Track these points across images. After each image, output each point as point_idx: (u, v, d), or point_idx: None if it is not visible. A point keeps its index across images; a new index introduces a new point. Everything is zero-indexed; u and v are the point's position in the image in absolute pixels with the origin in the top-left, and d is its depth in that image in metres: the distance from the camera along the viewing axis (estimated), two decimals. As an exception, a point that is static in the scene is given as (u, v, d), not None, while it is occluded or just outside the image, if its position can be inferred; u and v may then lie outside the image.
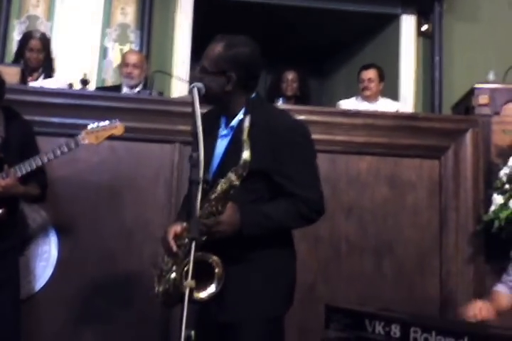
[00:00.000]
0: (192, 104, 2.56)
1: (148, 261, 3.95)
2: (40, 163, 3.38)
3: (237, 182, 2.48)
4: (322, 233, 4.28)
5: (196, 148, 2.49)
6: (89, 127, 3.49)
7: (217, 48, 2.67)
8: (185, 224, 2.62)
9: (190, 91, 2.62)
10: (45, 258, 4.08)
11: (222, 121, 2.78)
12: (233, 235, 2.53)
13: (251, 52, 2.69)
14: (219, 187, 2.51)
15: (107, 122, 3.53)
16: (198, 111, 2.53)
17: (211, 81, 2.67)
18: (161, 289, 2.66)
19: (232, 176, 2.48)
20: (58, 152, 3.39)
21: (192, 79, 2.68)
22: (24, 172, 3.34)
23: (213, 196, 2.52)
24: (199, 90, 2.61)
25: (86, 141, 3.46)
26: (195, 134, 2.52)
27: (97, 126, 3.50)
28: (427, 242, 4.49)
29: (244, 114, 2.63)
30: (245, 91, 2.73)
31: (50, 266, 4.07)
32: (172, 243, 2.61)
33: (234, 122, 2.73)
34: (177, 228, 2.65)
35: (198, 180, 2.44)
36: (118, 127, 3.53)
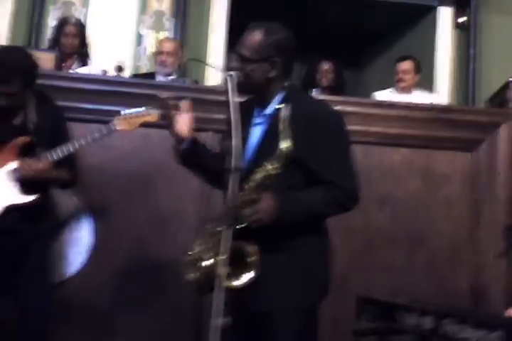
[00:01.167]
0: (227, 92, 2.57)
1: (180, 248, 3.87)
2: (72, 149, 3.38)
3: (274, 172, 2.48)
4: (355, 224, 4.26)
5: (232, 137, 2.51)
6: (122, 113, 3.49)
7: (257, 36, 2.66)
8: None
9: (226, 81, 2.62)
10: (79, 244, 4.08)
11: (256, 109, 2.78)
12: (269, 223, 2.53)
13: (290, 37, 2.71)
14: (256, 176, 2.51)
15: (141, 109, 3.52)
16: (233, 99, 2.54)
17: (253, 69, 2.67)
18: (193, 276, 2.66)
19: (269, 165, 2.48)
20: (90, 138, 3.40)
21: (230, 70, 2.65)
22: (56, 157, 3.34)
23: (250, 185, 2.53)
24: (234, 79, 2.61)
25: (119, 128, 3.46)
26: (230, 123, 2.54)
27: (131, 113, 3.49)
28: (459, 235, 4.47)
29: (280, 102, 2.63)
30: (284, 78, 2.73)
31: (83, 252, 4.08)
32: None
33: (268, 110, 2.72)
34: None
35: (234, 168, 2.46)
36: (152, 114, 3.51)
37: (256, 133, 2.73)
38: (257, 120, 2.76)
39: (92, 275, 4.08)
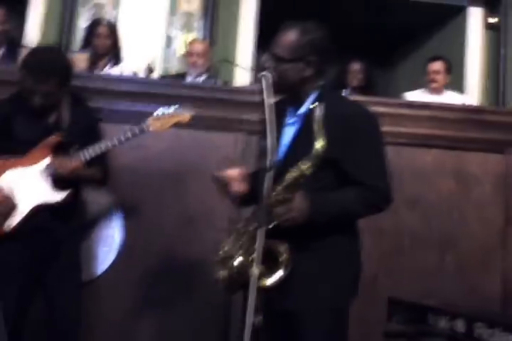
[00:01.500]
0: (261, 92, 2.58)
1: (210, 248, 3.92)
2: (105, 148, 3.39)
3: (308, 171, 2.48)
4: (386, 225, 4.24)
5: (265, 137, 2.52)
6: (155, 114, 3.48)
7: (291, 35, 2.67)
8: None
9: (259, 80, 2.62)
10: (109, 243, 4.11)
11: (289, 109, 2.78)
12: (302, 223, 2.53)
13: (325, 36, 2.70)
14: (289, 176, 2.51)
15: (173, 109, 3.51)
16: (267, 99, 2.54)
17: (288, 69, 2.67)
18: (224, 275, 2.67)
19: (303, 165, 2.48)
20: (123, 138, 3.40)
21: (263, 70, 2.65)
22: (89, 157, 3.35)
23: (283, 184, 2.53)
24: (268, 78, 2.61)
25: (151, 128, 3.46)
26: (264, 122, 2.54)
27: (163, 113, 3.49)
28: (491, 237, 4.43)
29: (314, 102, 2.62)
30: (318, 77, 2.72)
31: (112, 251, 4.11)
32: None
33: (302, 110, 2.72)
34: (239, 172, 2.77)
35: (267, 167, 2.46)
36: (184, 115, 3.52)
37: (289, 132, 2.73)
38: (290, 120, 2.76)
39: (122, 274, 4.10)
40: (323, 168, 2.53)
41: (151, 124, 3.45)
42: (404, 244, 4.34)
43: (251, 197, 2.70)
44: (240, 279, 2.60)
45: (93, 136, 3.50)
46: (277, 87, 2.63)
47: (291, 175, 2.51)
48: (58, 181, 3.38)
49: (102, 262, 4.10)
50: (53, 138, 3.41)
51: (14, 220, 3.35)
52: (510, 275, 4.37)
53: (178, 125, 3.56)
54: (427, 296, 3.96)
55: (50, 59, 3.42)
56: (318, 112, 2.46)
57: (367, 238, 3.99)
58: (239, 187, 2.75)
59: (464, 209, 4.44)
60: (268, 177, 2.48)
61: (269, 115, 2.53)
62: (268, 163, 2.48)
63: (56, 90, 3.38)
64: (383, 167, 2.69)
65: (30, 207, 3.36)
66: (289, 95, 2.78)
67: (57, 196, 3.38)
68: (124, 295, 4.11)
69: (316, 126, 2.45)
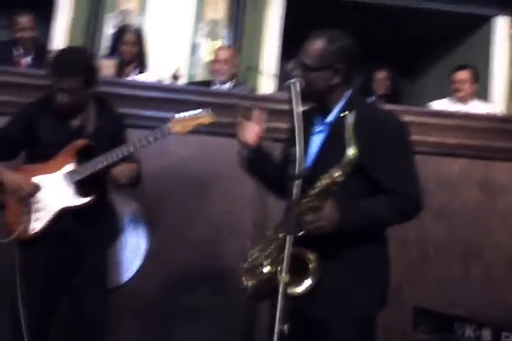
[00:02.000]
0: (290, 99, 2.59)
1: (235, 255, 3.98)
2: (127, 152, 3.39)
3: (339, 179, 2.47)
4: (410, 235, 4.23)
5: (293, 144, 2.53)
6: (176, 116, 3.49)
7: (319, 43, 2.67)
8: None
9: (288, 88, 2.63)
10: (134, 250, 4.12)
11: (317, 117, 2.78)
12: (332, 231, 2.52)
13: (352, 44, 2.70)
14: (320, 183, 2.50)
15: (195, 111, 3.51)
16: (297, 107, 2.55)
17: (316, 77, 2.67)
18: (251, 283, 2.67)
19: (335, 172, 2.47)
20: (145, 141, 3.41)
21: (290, 78, 2.66)
22: (111, 161, 3.36)
23: (314, 191, 2.52)
24: (297, 86, 2.61)
25: (173, 131, 3.46)
26: (293, 130, 2.55)
27: (185, 116, 3.49)
28: (518, 249, 4.39)
29: (342, 110, 2.64)
30: (346, 85, 2.72)
31: (137, 258, 4.12)
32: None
33: (330, 118, 2.72)
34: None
35: (296, 175, 2.46)
36: (206, 116, 3.51)
37: (317, 140, 2.73)
38: (319, 128, 2.75)
39: (147, 282, 4.10)
40: (353, 175, 2.52)
41: (173, 127, 3.46)
42: (430, 254, 4.32)
43: (257, 165, 2.82)
44: (267, 288, 2.60)
45: (118, 142, 3.50)
46: (305, 95, 2.64)
47: (323, 182, 2.50)
48: (83, 186, 3.40)
49: (127, 269, 4.11)
50: (78, 143, 3.43)
51: (40, 224, 3.38)
52: (536, 285, 4.33)
53: (199, 127, 3.55)
54: (453, 306, 3.95)
55: (76, 57, 3.48)
56: (350, 120, 2.46)
57: (392, 247, 3.96)
58: (250, 136, 2.81)
59: (489, 219, 4.41)
60: (296, 185, 2.48)
61: (297, 123, 2.53)
62: (296, 170, 2.47)
63: (81, 88, 3.41)
64: (413, 174, 2.67)
65: (56, 211, 3.39)
66: (318, 103, 2.78)
67: (81, 200, 3.40)
68: (149, 302, 4.11)
69: (348, 134, 2.44)
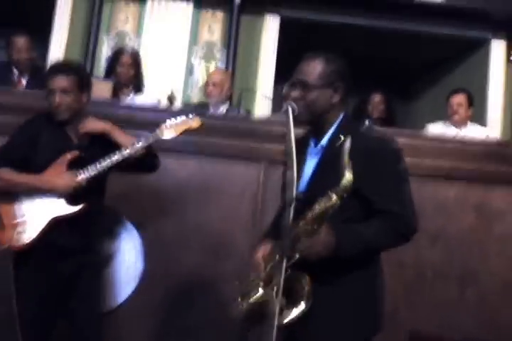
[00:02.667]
0: (286, 124, 2.59)
1: (231, 276, 3.95)
2: (118, 158, 3.40)
3: (337, 203, 2.45)
4: (407, 259, 4.21)
5: (290, 168, 2.52)
6: (167, 122, 3.54)
7: (318, 63, 2.67)
8: (272, 246, 2.65)
9: (284, 113, 2.63)
10: (130, 271, 4.11)
11: (311, 140, 2.77)
12: (327, 257, 2.49)
13: (347, 65, 2.72)
14: (317, 207, 2.48)
15: (183, 117, 3.59)
16: (292, 131, 2.55)
17: (317, 95, 2.66)
18: (245, 306, 2.65)
19: (331, 197, 2.45)
20: (137, 146, 3.43)
21: (287, 99, 2.67)
22: (102, 168, 3.38)
23: (310, 215, 2.49)
24: (293, 110, 2.61)
25: (164, 135, 3.51)
26: (289, 154, 2.54)
27: (175, 121, 3.56)
28: (512, 272, 4.39)
29: (336, 132, 2.65)
30: (342, 106, 2.73)
31: (134, 279, 4.11)
32: (262, 264, 2.63)
33: (324, 141, 2.70)
34: (266, 248, 2.68)
35: (291, 199, 2.45)
36: (195, 120, 3.59)
37: (311, 163, 2.71)
38: (313, 151, 2.74)
39: (143, 303, 4.09)
40: (348, 198, 2.50)
41: (163, 132, 3.51)
42: (426, 277, 4.31)
43: None
44: (260, 311, 2.58)
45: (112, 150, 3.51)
46: (304, 116, 2.66)
47: (319, 206, 2.47)
48: (74, 195, 3.40)
49: (122, 290, 4.10)
50: (69, 155, 3.44)
51: (30, 235, 3.37)
52: (531, 311, 4.32)
53: (188, 132, 3.60)
54: (448, 330, 3.95)
55: (68, 61, 3.79)
56: (346, 145, 2.45)
57: (388, 271, 3.96)
58: None
59: (485, 244, 4.40)
60: (291, 210, 2.47)
61: (292, 148, 2.53)
62: (291, 195, 2.47)
63: (74, 89, 3.44)
64: (407, 196, 2.65)
65: (47, 221, 3.37)
66: (314, 125, 2.76)
67: (71, 209, 3.39)
68: (144, 325, 4.10)
69: (344, 159, 2.43)
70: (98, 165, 3.38)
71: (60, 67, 3.51)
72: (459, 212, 4.41)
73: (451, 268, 4.34)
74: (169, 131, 3.52)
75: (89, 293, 3.49)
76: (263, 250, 2.69)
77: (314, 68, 2.67)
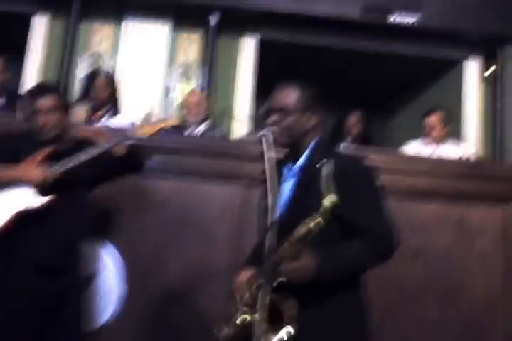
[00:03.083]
0: (263, 151, 2.61)
1: (210, 301, 3.97)
2: (93, 154, 3.42)
3: (318, 227, 2.45)
4: (388, 277, 4.19)
5: (269, 192, 2.54)
6: (141, 122, 3.60)
7: (293, 90, 2.75)
8: (255, 271, 2.66)
9: (260, 141, 2.65)
10: (111, 292, 4.10)
11: (288, 163, 2.80)
12: (310, 280, 2.49)
13: (319, 92, 2.79)
14: (298, 232, 2.48)
15: (160, 117, 3.74)
16: (269, 158, 2.58)
17: (295, 119, 2.72)
18: (227, 332, 2.64)
19: (313, 221, 2.46)
20: (112, 143, 3.47)
21: (269, 123, 2.71)
22: (77, 162, 3.39)
23: (294, 237, 2.49)
24: (269, 138, 2.64)
25: (139, 133, 3.54)
26: (266, 181, 2.57)
27: (150, 120, 3.61)
28: (493, 290, 4.42)
29: (311, 155, 2.71)
30: (317, 130, 2.78)
31: (113, 302, 4.09)
32: (246, 290, 2.63)
33: (300, 163, 2.74)
34: (248, 275, 2.69)
35: (272, 225, 2.47)
36: (169, 121, 3.68)
37: (288, 187, 2.73)
38: (290, 173, 2.77)
39: (123, 326, 4.07)
40: (327, 221, 2.51)
41: (137, 131, 3.54)
42: (407, 296, 4.32)
43: None
44: (243, 336, 2.56)
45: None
46: (283, 140, 2.69)
47: (300, 230, 2.48)
48: (43, 190, 3.40)
49: (103, 312, 4.08)
50: (45, 150, 3.45)
51: None
52: (512, 326, 4.34)
53: (163, 130, 3.63)
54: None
55: (49, 84, 3.92)
56: (326, 169, 2.46)
57: (369, 290, 3.97)
58: None
59: (465, 262, 4.43)
60: (271, 235, 2.48)
61: (270, 175, 2.56)
62: (271, 219, 2.49)
63: (57, 109, 3.49)
64: (385, 214, 2.67)
65: (12, 213, 3.36)
66: (291, 148, 2.79)
67: (39, 201, 3.38)
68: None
69: (324, 183, 2.44)
70: (70, 160, 3.39)
71: (43, 88, 3.59)
72: (439, 230, 4.45)
73: (432, 285, 4.37)
74: (145, 129, 3.55)
75: (69, 317, 3.47)
76: (245, 275, 2.69)
77: (291, 94, 2.75)
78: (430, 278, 4.36)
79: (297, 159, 2.75)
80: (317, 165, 2.54)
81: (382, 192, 2.73)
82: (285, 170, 2.78)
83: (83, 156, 3.40)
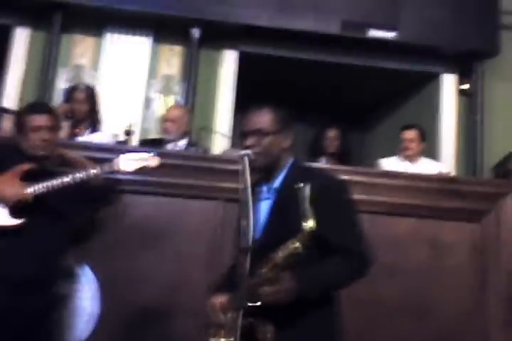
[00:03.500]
0: (242, 172, 2.65)
1: (187, 317, 3.98)
2: (69, 181, 3.46)
3: (299, 251, 2.49)
4: (362, 294, 4.20)
5: (244, 216, 2.58)
6: (125, 155, 3.63)
7: (266, 112, 2.81)
8: (228, 296, 2.68)
9: (240, 161, 2.69)
10: (87, 312, 4.09)
11: (261, 185, 2.84)
12: (289, 302, 2.53)
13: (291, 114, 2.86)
14: (277, 256, 2.52)
15: (143, 154, 3.68)
16: (248, 180, 2.62)
17: (271, 141, 2.77)
18: None
19: (294, 243, 2.49)
20: (90, 173, 3.51)
21: (245, 146, 2.75)
22: (52, 186, 3.44)
23: (272, 263, 2.53)
24: (249, 159, 2.68)
25: (121, 167, 3.60)
26: (244, 202, 2.61)
27: (133, 156, 3.65)
28: (467, 305, 4.46)
29: (287, 176, 2.76)
30: (290, 151, 2.84)
31: (91, 321, 4.08)
32: (220, 316, 2.66)
33: (276, 184, 2.79)
34: (220, 299, 2.71)
35: (247, 248, 2.51)
36: (154, 159, 3.68)
37: (264, 207, 2.77)
38: (264, 194, 2.81)
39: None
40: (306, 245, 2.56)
41: (119, 164, 3.59)
42: (382, 313, 4.35)
43: None
44: None
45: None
46: (260, 162, 2.74)
47: (282, 254, 2.51)
48: (17, 209, 3.43)
49: (81, 331, 4.07)
50: (23, 167, 3.49)
51: None
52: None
53: (144, 170, 3.69)
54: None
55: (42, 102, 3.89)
56: (306, 191, 2.50)
57: (344, 307, 4.01)
58: None
59: (440, 277, 4.47)
60: (247, 258, 2.53)
61: (247, 197, 2.60)
62: (247, 243, 2.53)
63: (55, 127, 3.62)
64: (360, 232, 2.73)
65: None
66: (267, 170, 2.83)
67: (12, 222, 3.41)
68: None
69: (304, 205, 2.48)
70: (49, 183, 3.43)
71: (43, 106, 3.75)
72: (413, 247, 4.48)
73: (406, 301, 4.40)
74: (126, 164, 3.60)
75: (47, 337, 3.52)
76: (218, 299, 2.71)
77: (265, 116, 2.80)
78: (405, 293, 4.40)
79: (270, 180, 2.81)
80: (295, 187, 2.56)
81: (356, 207, 2.79)
82: (260, 193, 2.82)
83: (58, 181, 3.45)
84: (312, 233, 2.47)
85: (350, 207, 2.78)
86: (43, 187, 3.43)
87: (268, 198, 2.79)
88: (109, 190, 3.72)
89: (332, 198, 2.68)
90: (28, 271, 3.43)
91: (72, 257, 4.04)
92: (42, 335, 3.50)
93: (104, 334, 4.08)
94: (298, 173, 2.74)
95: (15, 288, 3.39)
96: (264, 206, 2.78)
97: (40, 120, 3.55)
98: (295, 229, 2.51)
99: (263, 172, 2.84)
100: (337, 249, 2.65)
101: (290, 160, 2.83)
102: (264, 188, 2.82)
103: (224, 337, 2.60)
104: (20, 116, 3.65)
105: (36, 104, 3.80)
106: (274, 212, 2.74)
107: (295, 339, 2.62)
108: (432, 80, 7.48)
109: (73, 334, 4.05)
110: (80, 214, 3.73)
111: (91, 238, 4.08)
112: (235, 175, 2.77)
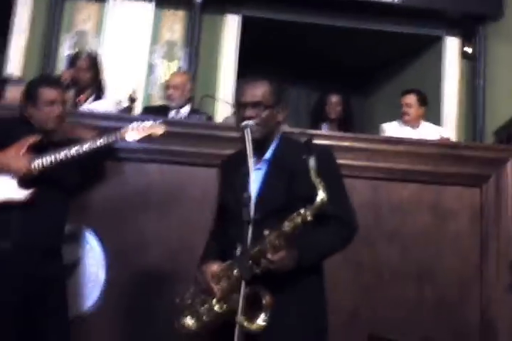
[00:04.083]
0: (245, 143, 2.70)
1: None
2: (77, 152, 3.51)
3: (309, 221, 2.54)
4: (364, 259, 4.30)
5: (232, 189, 2.77)
6: (131, 125, 3.68)
7: (264, 84, 2.86)
8: (226, 263, 2.76)
9: (242, 131, 2.74)
10: (93, 279, 4.14)
11: (252, 156, 2.81)
12: (291, 269, 2.61)
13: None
14: (286, 223, 2.57)
15: (148, 123, 3.73)
16: (251, 150, 2.66)
17: (268, 114, 2.82)
18: (192, 322, 2.80)
19: (304, 214, 2.54)
20: (97, 143, 3.56)
21: (246, 117, 2.78)
22: (59, 159, 3.48)
23: (280, 231, 2.57)
24: (252, 129, 2.73)
25: (125, 137, 3.64)
26: (227, 175, 2.81)
27: (139, 125, 3.70)
28: (468, 270, 4.48)
29: (278, 147, 2.85)
30: (281, 124, 2.92)
31: (97, 287, 4.13)
32: (212, 285, 2.74)
33: (268, 155, 2.86)
34: (214, 268, 2.80)
35: (249, 219, 2.56)
36: (158, 127, 3.73)
37: (257, 177, 2.80)
38: (257, 165, 2.84)
39: (107, 310, 4.12)
40: (299, 206, 2.59)
41: (125, 133, 3.64)
42: (383, 278, 4.37)
43: None
44: (213, 326, 2.72)
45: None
46: (259, 133, 2.79)
47: (288, 223, 2.56)
48: (27, 184, 3.47)
49: (87, 298, 4.12)
50: (32, 138, 3.53)
51: None
52: (488, 306, 4.41)
53: (150, 138, 3.75)
54: (407, 329, 4.05)
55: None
56: (312, 163, 2.55)
57: (345, 271, 4.09)
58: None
59: (440, 243, 4.49)
60: (250, 228, 2.57)
61: (250, 166, 2.65)
62: (249, 214, 2.58)
63: (65, 102, 3.67)
64: (347, 197, 2.86)
65: None
66: (260, 142, 2.85)
67: (22, 193, 3.45)
68: (110, 332, 4.12)
69: (313, 177, 2.53)
70: (55, 155, 3.47)
71: (57, 80, 3.88)
72: (414, 213, 4.49)
73: (408, 267, 4.42)
74: (132, 133, 3.64)
75: (55, 304, 3.56)
76: (214, 267, 2.80)
77: (261, 89, 2.84)
78: (405, 260, 4.42)
79: (263, 152, 2.86)
80: (303, 158, 2.59)
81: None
82: (252, 163, 2.79)
83: (64, 153, 3.48)
84: (323, 205, 2.53)
85: (340, 176, 2.89)
86: (50, 159, 3.47)
87: (259, 169, 2.84)
88: (104, 157, 3.75)
89: (325, 169, 2.70)
90: (39, 240, 3.49)
91: (79, 225, 4.11)
92: (55, 303, 3.56)
93: (112, 301, 4.14)
94: (287, 145, 2.84)
95: (29, 256, 3.45)
96: (258, 176, 2.82)
97: (54, 94, 3.58)
98: (291, 199, 2.65)
99: (256, 144, 2.83)
100: (332, 219, 2.74)
101: (280, 133, 2.91)
102: (255, 159, 2.80)
103: (219, 304, 2.69)
104: (33, 87, 3.64)
105: (50, 76, 3.81)
106: (267, 181, 2.81)
107: (289, 305, 2.69)
108: (435, 43, 7.47)
109: (83, 299, 4.11)
110: (71, 180, 3.73)
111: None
112: (238, 142, 2.81)
